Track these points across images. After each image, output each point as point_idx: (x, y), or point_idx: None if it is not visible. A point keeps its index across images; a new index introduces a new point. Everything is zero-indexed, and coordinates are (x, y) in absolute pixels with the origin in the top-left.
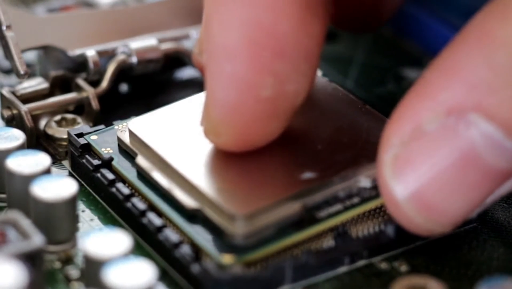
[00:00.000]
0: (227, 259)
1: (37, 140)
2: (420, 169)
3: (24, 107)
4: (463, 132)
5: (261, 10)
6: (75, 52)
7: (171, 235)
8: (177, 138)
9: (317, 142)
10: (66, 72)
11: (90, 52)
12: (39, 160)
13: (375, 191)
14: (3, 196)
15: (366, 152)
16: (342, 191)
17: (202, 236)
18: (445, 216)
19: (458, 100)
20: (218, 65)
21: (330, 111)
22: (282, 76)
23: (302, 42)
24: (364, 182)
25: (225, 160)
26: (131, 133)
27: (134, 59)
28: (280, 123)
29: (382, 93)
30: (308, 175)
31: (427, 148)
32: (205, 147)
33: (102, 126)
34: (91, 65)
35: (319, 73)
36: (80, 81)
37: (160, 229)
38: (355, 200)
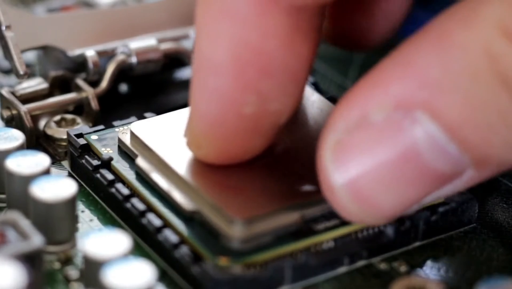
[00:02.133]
0: (223, 261)
1: (36, 140)
2: (360, 159)
3: (24, 108)
4: (408, 128)
5: (250, 28)
6: (75, 52)
7: (170, 235)
8: (179, 142)
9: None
10: (66, 72)
11: (90, 52)
12: (39, 160)
13: None
14: (2, 196)
15: None
16: None
17: (199, 238)
18: (378, 209)
19: (407, 95)
20: (203, 78)
21: None
22: (266, 95)
23: (288, 63)
24: None
25: (226, 165)
26: (133, 135)
27: (134, 59)
28: (262, 140)
29: None
30: (308, 187)
31: (370, 138)
32: None
33: (101, 126)
34: (91, 65)
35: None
36: (80, 81)
37: (159, 229)
38: None
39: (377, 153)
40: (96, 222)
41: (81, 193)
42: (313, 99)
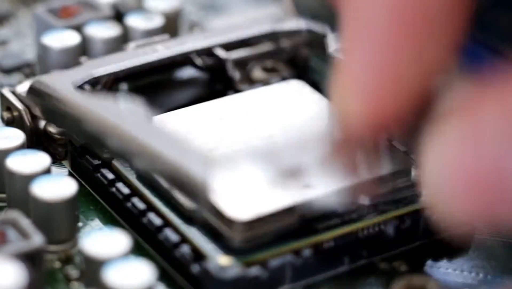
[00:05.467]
0: (223, 260)
1: (37, 140)
2: None
3: (24, 107)
4: None
5: None
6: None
7: (171, 234)
8: None
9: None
10: None
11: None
12: (39, 159)
13: (373, 208)
14: (3, 196)
15: (366, 170)
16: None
17: (199, 237)
18: None
19: None
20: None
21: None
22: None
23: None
24: (363, 199)
25: (227, 165)
26: None
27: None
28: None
29: None
30: (308, 187)
31: None
32: (207, 152)
33: None
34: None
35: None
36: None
37: (160, 228)
38: (353, 215)
39: None
40: (96, 221)
41: (82, 192)
42: (314, 99)
